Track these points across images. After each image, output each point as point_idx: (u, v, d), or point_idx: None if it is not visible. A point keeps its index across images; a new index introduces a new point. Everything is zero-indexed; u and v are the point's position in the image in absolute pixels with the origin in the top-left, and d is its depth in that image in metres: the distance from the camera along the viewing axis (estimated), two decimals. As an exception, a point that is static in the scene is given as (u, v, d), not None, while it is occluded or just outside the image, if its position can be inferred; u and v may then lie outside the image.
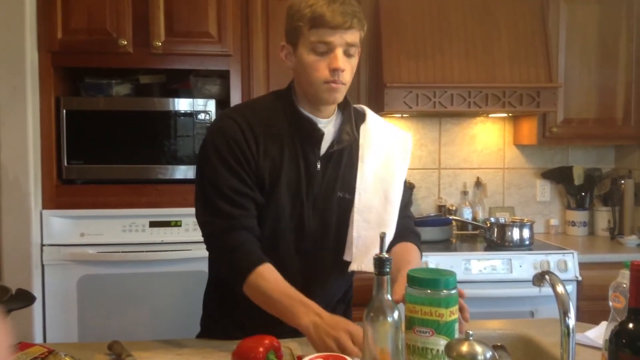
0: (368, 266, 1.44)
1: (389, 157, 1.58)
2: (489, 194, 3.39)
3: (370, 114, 1.63)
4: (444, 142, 3.36)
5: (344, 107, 1.57)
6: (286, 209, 1.49)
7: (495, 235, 2.92)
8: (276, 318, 1.51)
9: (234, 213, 1.44)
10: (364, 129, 1.58)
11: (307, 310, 1.33)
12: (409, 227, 1.64)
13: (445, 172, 3.38)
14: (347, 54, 1.43)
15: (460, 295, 1.19)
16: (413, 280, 1.13)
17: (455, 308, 1.12)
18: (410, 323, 1.13)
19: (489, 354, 0.96)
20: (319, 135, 1.50)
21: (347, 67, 1.44)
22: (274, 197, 1.48)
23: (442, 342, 1.08)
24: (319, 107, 1.51)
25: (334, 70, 1.41)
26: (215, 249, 1.50)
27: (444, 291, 1.10)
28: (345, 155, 1.55)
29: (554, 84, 2.89)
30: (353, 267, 1.51)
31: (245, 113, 1.51)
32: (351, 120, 1.56)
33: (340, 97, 1.48)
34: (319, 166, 1.51)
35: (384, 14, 2.89)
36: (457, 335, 1.12)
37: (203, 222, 1.49)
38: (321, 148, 1.52)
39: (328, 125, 1.54)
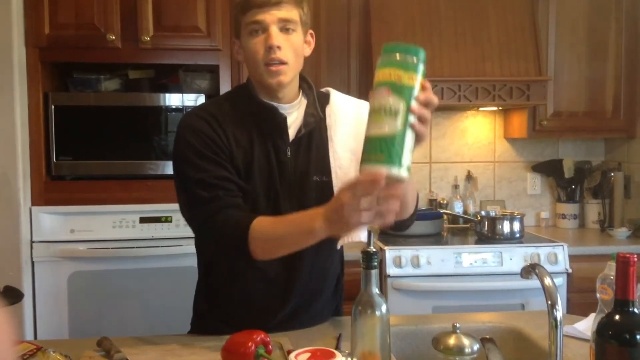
0: (354, 238, 1.43)
1: (359, 128, 1.53)
2: (480, 187, 3.40)
3: (334, 93, 1.61)
4: (434, 136, 3.36)
5: (308, 91, 1.56)
6: (261, 198, 1.48)
7: (486, 229, 2.93)
8: (266, 314, 1.51)
9: (218, 194, 1.41)
10: (329, 110, 1.56)
11: (314, 216, 1.28)
12: None
13: (436, 165, 3.38)
14: (284, 30, 1.43)
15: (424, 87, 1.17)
16: (385, 49, 1.17)
17: (416, 77, 1.14)
18: (374, 88, 1.16)
19: (476, 347, 0.97)
20: (282, 119, 1.49)
21: (285, 44, 1.43)
22: (249, 187, 1.47)
23: (397, 102, 1.11)
24: (274, 94, 1.49)
25: (270, 48, 1.41)
26: (208, 236, 1.46)
27: (407, 56, 1.14)
28: (316, 138, 1.53)
29: (544, 77, 2.90)
30: (340, 242, 1.51)
31: (210, 108, 1.51)
32: (315, 103, 1.54)
33: (285, 78, 1.45)
34: (289, 153, 1.50)
35: (373, 7, 2.89)
36: (412, 120, 1.13)
37: (189, 217, 1.47)
38: (290, 135, 1.51)
39: (293, 112, 1.53)
